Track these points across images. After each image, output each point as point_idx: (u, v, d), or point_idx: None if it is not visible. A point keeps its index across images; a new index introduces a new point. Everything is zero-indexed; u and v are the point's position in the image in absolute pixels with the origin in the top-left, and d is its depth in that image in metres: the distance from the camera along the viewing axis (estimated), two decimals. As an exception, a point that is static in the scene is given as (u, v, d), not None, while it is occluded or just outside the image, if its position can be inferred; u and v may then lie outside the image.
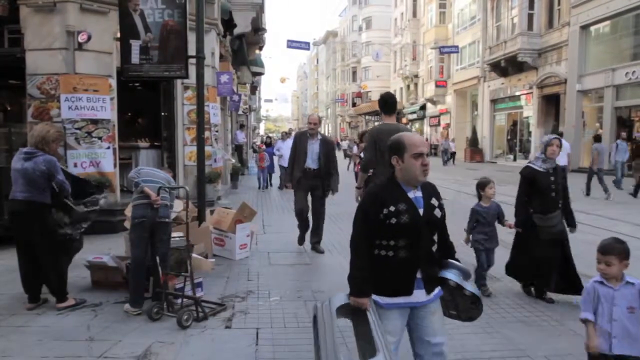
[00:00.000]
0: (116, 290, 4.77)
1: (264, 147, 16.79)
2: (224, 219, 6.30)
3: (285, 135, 16.19)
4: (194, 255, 5.04)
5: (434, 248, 2.43)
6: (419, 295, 2.36)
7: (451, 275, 2.44)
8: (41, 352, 3.52)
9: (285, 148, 13.62)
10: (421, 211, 2.34)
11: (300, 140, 6.49)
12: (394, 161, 2.39)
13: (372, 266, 2.36)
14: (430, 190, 2.45)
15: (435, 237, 2.44)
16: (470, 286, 2.47)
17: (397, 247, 2.32)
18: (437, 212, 2.40)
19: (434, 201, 2.41)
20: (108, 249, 5.45)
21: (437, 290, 2.45)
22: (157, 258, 4.42)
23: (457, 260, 2.53)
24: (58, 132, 4.60)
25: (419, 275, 2.36)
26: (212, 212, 6.70)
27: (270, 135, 23.07)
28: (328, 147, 6.42)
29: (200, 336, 3.80)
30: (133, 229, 4.37)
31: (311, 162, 6.31)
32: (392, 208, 2.30)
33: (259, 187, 14.52)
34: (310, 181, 6.34)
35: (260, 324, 4.05)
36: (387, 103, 5.07)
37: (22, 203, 4.29)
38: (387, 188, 2.40)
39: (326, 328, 2.32)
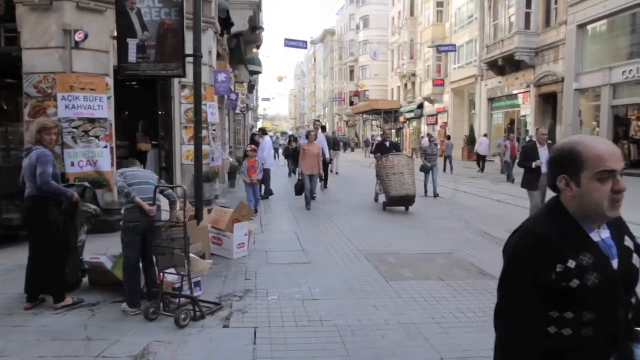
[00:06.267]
0: (114, 290, 4.75)
1: (255, 148, 10.59)
2: (222, 218, 6.30)
3: (260, 132, 13.07)
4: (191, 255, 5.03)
5: (630, 315, 1.49)
6: None
7: None
8: (39, 351, 3.51)
9: (266, 147, 11.82)
10: (615, 263, 1.43)
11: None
12: (561, 183, 1.46)
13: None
14: (618, 224, 1.54)
15: (633, 300, 1.51)
16: None
17: (580, 324, 1.40)
18: (637, 260, 1.47)
19: (628, 242, 1.49)
20: (106, 249, 5.44)
21: None
22: (154, 258, 4.41)
23: None
24: (53, 122, 4.63)
25: None
26: (209, 211, 6.69)
27: (265, 130, 16.43)
28: None
29: (198, 336, 3.80)
30: (126, 231, 4.34)
31: None
32: (571, 263, 1.38)
33: (255, 211, 9.14)
34: None
35: (259, 323, 4.05)
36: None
37: (27, 199, 4.33)
38: (557, 227, 1.43)
39: None
